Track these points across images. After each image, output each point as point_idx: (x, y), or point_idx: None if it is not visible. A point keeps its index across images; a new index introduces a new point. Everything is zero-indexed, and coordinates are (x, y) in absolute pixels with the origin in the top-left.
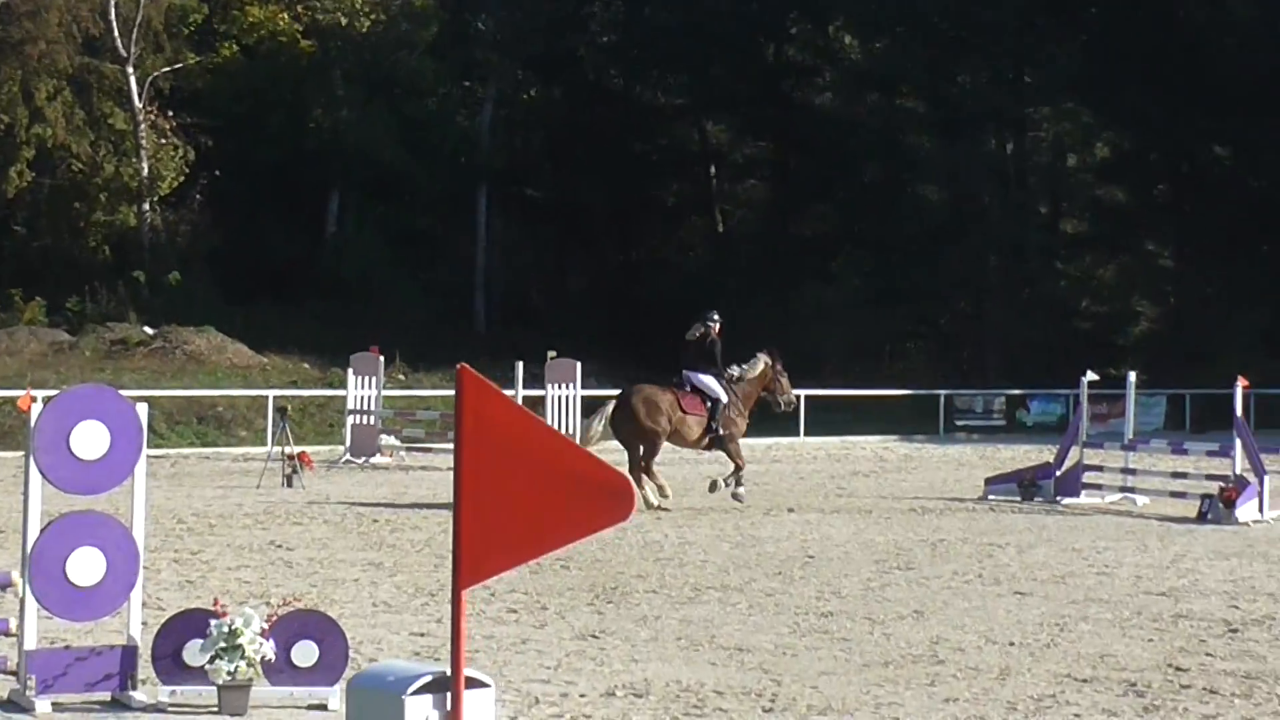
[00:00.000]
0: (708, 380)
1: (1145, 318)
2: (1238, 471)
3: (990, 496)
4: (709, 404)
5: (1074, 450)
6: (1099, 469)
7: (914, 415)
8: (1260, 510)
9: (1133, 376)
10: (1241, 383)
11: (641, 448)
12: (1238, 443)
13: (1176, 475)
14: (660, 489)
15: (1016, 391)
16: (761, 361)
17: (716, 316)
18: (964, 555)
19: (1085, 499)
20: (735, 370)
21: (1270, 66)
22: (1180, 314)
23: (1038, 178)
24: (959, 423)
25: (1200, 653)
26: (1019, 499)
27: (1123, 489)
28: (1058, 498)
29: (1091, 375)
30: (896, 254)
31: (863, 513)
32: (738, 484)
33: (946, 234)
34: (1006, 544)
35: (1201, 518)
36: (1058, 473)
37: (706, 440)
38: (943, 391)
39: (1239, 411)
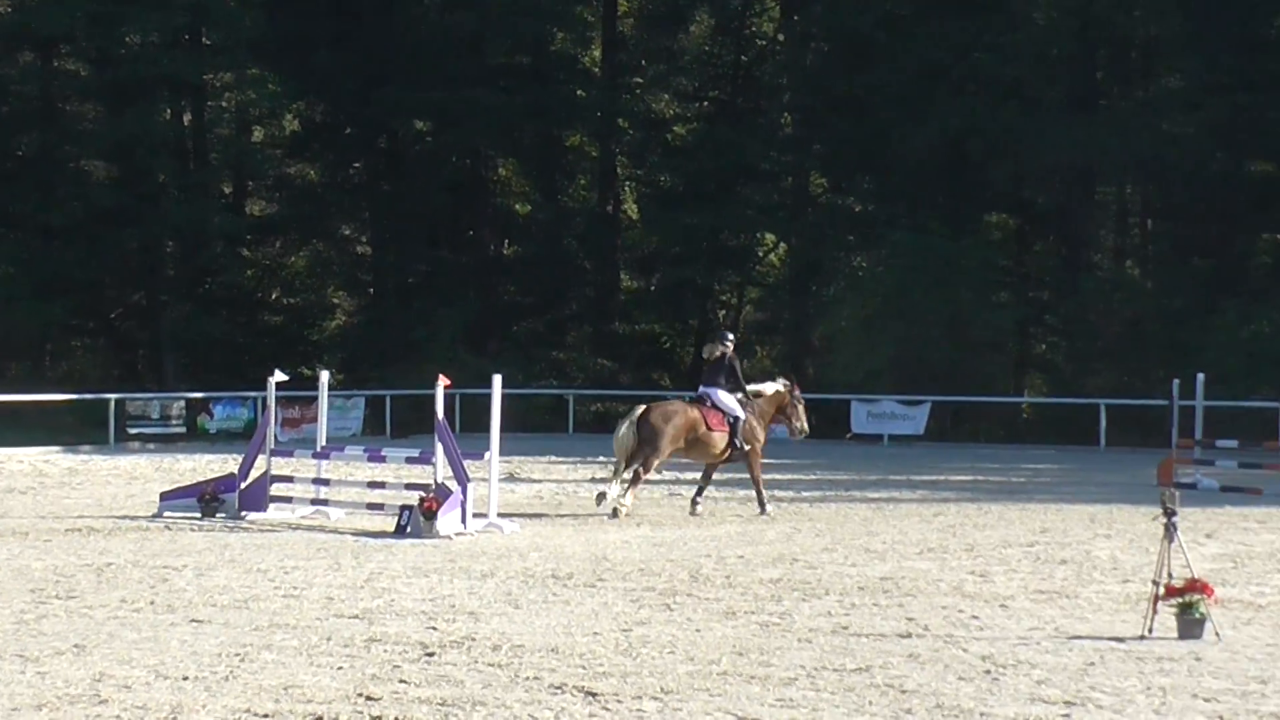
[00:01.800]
0: (724, 397)
1: (342, 310)
2: (439, 480)
3: (166, 513)
4: (730, 421)
5: (261, 459)
6: (289, 480)
7: (80, 423)
8: (463, 521)
9: (326, 376)
10: (444, 381)
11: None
12: (439, 448)
13: (374, 485)
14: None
15: (198, 395)
16: (779, 384)
17: (731, 336)
18: (134, 580)
19: (273, 513)
20: (752, 387)
21: (471, 30)
22: (380, 306)
23: (220, 153)
24: (132, 430)
25: (394, 680)
26: (199, 515)
27: (315, 501)
28: (242, 513)
29: (280, 375)
30: (57, 239)
31: (18, 535)
32: (763, 504)
33: (116, 216)
34: (183, 566)
35: (400, 531)
36: (242, 485)
37: (729, 455)
38: (113, 395)
39: (441, 414)
